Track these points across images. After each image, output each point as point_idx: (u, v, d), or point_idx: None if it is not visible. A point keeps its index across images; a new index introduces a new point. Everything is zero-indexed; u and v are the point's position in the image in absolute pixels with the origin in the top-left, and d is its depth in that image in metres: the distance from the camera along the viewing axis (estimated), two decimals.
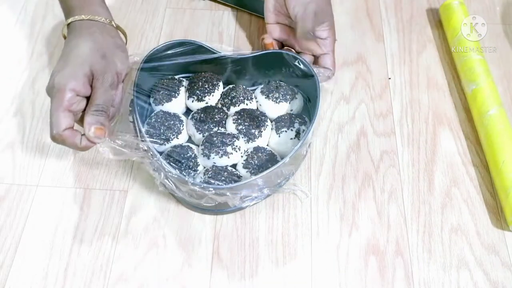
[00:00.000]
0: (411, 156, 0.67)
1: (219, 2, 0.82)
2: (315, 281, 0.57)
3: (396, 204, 0.63)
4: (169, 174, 0.55)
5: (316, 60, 0.69)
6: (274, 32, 0.71)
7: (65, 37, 0.62)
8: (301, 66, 0.65)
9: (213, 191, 0.54)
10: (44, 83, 0.71)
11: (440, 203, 0.63)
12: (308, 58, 0.68)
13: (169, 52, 0.66)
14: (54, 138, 0.55)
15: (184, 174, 0.59)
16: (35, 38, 0.77)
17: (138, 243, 0.59)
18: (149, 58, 0.64)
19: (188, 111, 0.68)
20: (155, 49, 0.65)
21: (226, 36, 0.78)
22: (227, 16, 0.81)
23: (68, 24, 0.61)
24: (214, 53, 0.67)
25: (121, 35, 0.64)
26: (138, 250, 0.59)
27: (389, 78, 0.75)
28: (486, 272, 0.58)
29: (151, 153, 0.56)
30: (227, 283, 0.57)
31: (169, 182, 0.56)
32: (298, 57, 0.65)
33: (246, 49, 0.76)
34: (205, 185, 0.54)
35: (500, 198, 0.62)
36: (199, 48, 0.66)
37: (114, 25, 0.63)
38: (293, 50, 0.69)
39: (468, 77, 0.71)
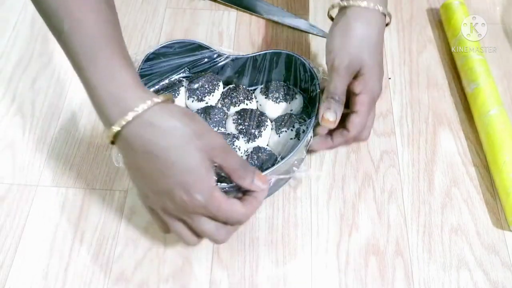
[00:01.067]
0: (411, 156, 0.67)
1: (219, 2, 0.82)
2: (315, 281, 0.57)
3: (396, 204, 0.63)
4: None
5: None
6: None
7: (113, 143, 0.47)
8: (303, 67, 0.65)
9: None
10: (44, 83, 0.72)
11: (440, 203, 0.63)
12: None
13: (169, 52, 0.66)
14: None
15: None
16: (35, 38, 0.77)
17: (138, 243, 0.59)
18: (149, 58, 0.64)
19: None
20: (155, 49, 0.65)
21: (226, 36, 0.78)
22: (227, 16, 0.81)
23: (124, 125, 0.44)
24: (214, 53, 0.67)
25: None
26: (138, 250, 0.59)
27: (389, 78, 0.74)
28: (486, 272, 0.58)
29: None
30: (227, 283, 0.57)
31: None
32: (301, 57, 0.65)
33: (246, 49, 0.77)
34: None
35: (501, 198, 0.62)
36: (199, 48, 0.66)
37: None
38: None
39: (468, 77, 0.71)
